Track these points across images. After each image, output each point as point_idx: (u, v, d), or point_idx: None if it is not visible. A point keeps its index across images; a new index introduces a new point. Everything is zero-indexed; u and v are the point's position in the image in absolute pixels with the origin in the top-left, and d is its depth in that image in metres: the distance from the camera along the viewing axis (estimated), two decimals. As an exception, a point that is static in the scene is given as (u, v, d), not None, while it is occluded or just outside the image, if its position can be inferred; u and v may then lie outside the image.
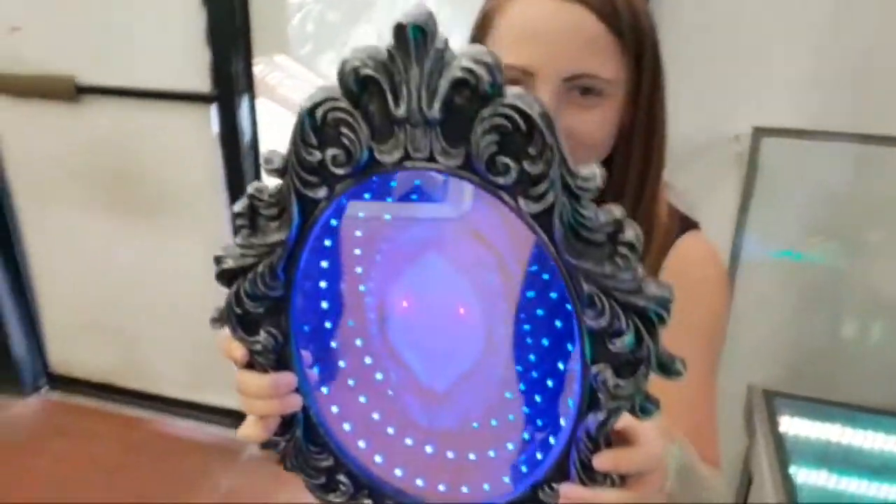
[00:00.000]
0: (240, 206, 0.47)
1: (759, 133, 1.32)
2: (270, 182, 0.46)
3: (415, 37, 0.38)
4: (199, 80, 1.75)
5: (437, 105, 0.39)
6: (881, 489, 1.16)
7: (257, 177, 1.83)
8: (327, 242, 0.51)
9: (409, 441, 0.56)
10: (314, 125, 0.43)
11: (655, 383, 0.69)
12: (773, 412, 1.30)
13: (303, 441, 0.55)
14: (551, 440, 0.50)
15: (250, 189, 0.46)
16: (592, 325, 0.42)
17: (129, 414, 2.18)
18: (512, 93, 0.39)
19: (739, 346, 1.45)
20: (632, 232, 0.40)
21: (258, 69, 1.73)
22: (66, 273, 2.13)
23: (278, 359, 0.51)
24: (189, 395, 2.17)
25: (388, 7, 1.61)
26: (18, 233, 2.12)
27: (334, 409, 0.55)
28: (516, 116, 0.39)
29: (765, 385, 1.35)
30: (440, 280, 0.51)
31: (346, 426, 0.56)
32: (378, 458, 0.56)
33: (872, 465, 1.20)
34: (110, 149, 1.91)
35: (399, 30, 0.39)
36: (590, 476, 0.47)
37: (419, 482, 0.56)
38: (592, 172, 0.39)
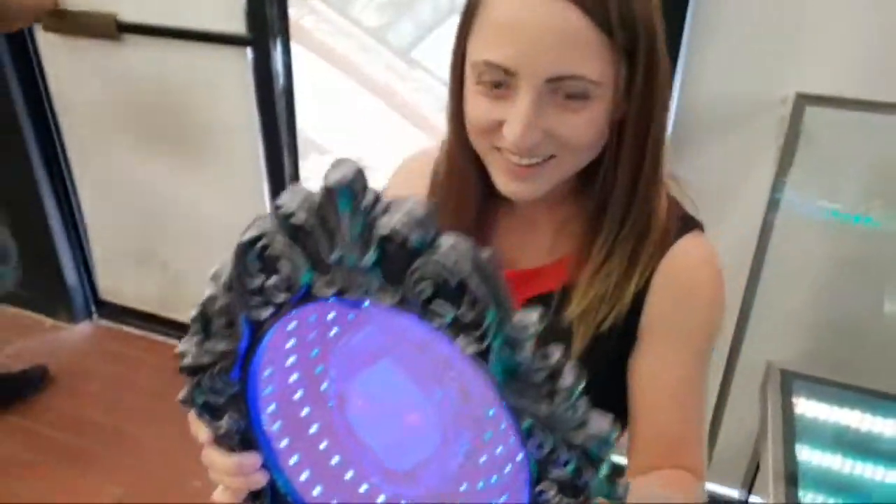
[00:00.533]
0: (193, 312, 0.48)
1: (803, 100, 1.25)
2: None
3: (343, 199, 0.38)
4: (236, 22, 1.74)
5: (369, 255, 0.39)
6: (890, 475, 1.14)
7: (291, 121, 1.83)
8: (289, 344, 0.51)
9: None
10: (255, 254, 0.43)
11: (645, 394, 0.70)
12: (787, 392, 1.27)
13: None
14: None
15: (204, 297, 0.47)
16: (534, 454, 0.41)
17: (173, 343, 2.29)
18: (445, 246, 0.38)
19: (765, 321, 1.41)
20: (570, 379, 0.39)
21: (293, 12, 1.70)
22: (114, 206, 2.21)
23: (242, 440, 0.53)
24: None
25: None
26: (68, 166, 2.20)
27: (304, 475, 0.56)
28: (445, 273, 0.38)
29: (785, 363, 1.32)
30: (394, 387, 0.50)
31: (315, 491, 0.56)
32: None
33: (887, 453, 1.17)
34: (151, 87, 1.94)
35: (328, 193, 0.38)
36: None
37: None
38: (529, 320, 0.38)
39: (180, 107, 1.95)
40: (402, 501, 0.54)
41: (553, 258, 0.73)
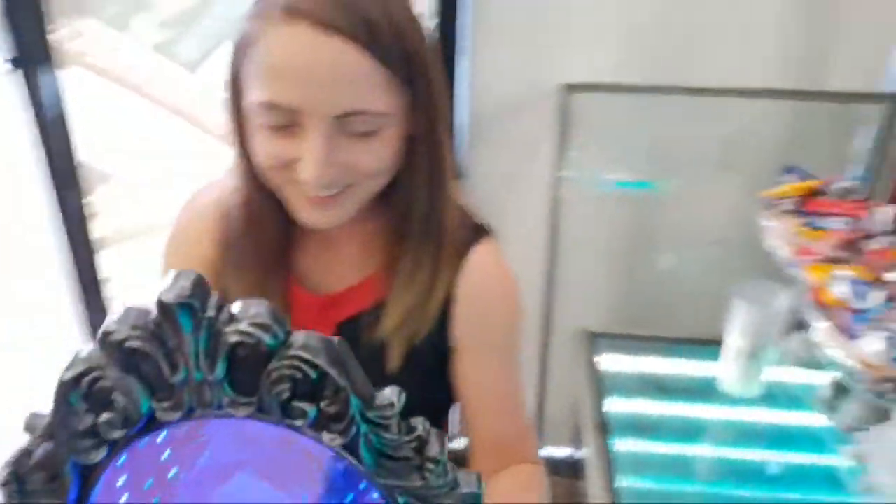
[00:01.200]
0: (1, 476, 0.41)
1: (570, 88, 1.39)
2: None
3: (184, 316, 0.36)
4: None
5: (218, 367, 0.37)
6: (690, 409, 1.30)
7: (68, 150, 1.68)
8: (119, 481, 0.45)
9: None
10: (80, 393, 0.38)
11: (472, 401, 0.74)
12: (595, 351, 1.40)
13: None
14: None
15: (13, 454, 0.40)
16: None
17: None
18: (298, 343, 0.37)
19: (571, 290, 1.55)
20: (437, 447, 0.40)
21: (61, 35, 1.58)
22: None
23: None
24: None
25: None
26: None
27: None
28: (304, 367, 0.37)
29: (593, 326, 1.45)
30: (254, 499, 0.47)
31: None
32: None
33: (686, 390, 1.33)
34: None
35: (165, 312, 0.36)
36: None
37: None
38: (389, 401, 0.39)
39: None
40: None
41: (361, 277, 0.73)
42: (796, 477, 1.15)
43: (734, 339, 1.21)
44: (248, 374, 0.37)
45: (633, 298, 1.56)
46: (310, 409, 0.38)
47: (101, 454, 0.40)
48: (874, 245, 1.02)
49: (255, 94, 0.60)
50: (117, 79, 1.64)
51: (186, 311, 0.36)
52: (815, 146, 1.42)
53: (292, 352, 0.37)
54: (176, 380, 0.38)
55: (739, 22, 1.35)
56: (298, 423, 0.39)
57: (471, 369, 0.74)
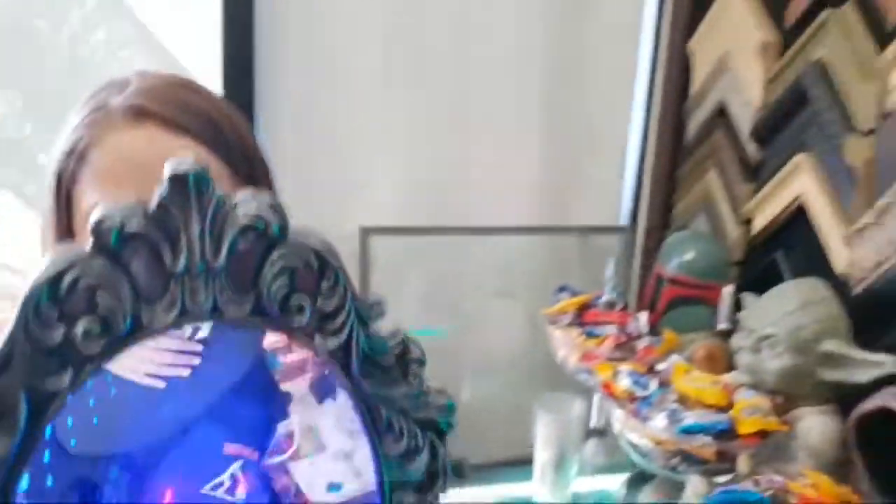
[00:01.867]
0: None
1: (367, 231, 1.49)
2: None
3: (196, 187, 0.36)
4: None
5: (223, 253, 0.37)
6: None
7: None
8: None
9: None
10: (55, 297, 0.35)
11: None
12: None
13: None
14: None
15: None
16: (393, 450, 0.43)
17: None
18: (298, 232, 0.39)
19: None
20: (416, 349, 0.44)
21: None
22: None
23: None
24: None
25: None
26: None
27: None
28: (308, 255, 0.39)
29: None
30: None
31: None
32: None
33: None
34: None
35: (176, 181, 0.36)
36: None
37: None
38: (378, 298, 0.42)
39: None
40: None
41: None
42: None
43: (540, 451, 1.31)
44: (247, 269, 0.37)
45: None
46: (308, 304, 0.38)
47: (64, 381, 0.35)
48: (642, 344, 1.19)
49: (94, 198, 0.58)
50: None
51: (202, 181, 0.35)
52: (576, 271, 1.65)
53: (295, 239, 0.38)
54: (176, 269, 0.36)
55: (501, 168, 1.58)
56: (295, 321, 0.38)
57: None
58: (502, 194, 1.58)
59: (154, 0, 1.42)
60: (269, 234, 0.38)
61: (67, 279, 0.35)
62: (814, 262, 1.21)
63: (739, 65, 1.42)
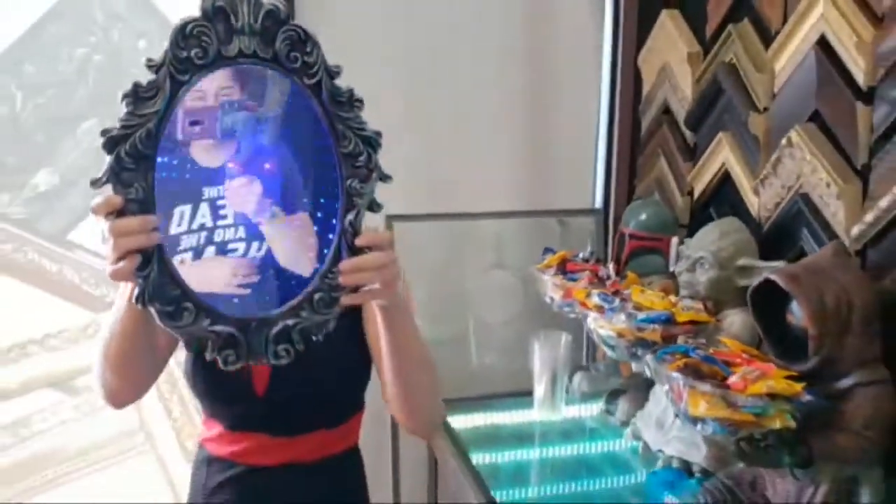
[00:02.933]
0: (126, 90, 0.74)
1: (391, 218, 1.87)
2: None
3: None
4: None
5: (258, 23, 0.78)
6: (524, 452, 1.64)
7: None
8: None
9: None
10: (184, 35, 0.74)
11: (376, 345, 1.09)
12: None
13: (157, 273, 0.75)
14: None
15: (134, 82, 0.75)
16: (344, 150, 0.82)
17: None
18: (294, 20, 0.79)
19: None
20: (360, 98, 0.83)
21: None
22: None
23: (143, 209, 0.75)
24: None
25: (69, 152, 1.82)
26: None
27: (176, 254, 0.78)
28: (299, 31, 0.79)
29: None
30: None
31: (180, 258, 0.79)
32: (208, 290, 0.79)
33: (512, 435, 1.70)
34: None
35: None
36: (354, 255, 0.83)
37: (238, 304, 0.81)
38: (339, 66, 0.82)
39: None
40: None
41: None
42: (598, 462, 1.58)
43: (537, 376, 1.67)
44: (270, 37, 0.78)
45: (460, 365, 1.97)
46: (299, 56, 0.79)
47: (187, 76, 0.75)
48: (609, 282, 1.57)
49: None
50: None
51: None
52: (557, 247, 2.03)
53: (293, 23, 0.79)
54: (237, 26, 0.76)
55: (492, 163, 1.97)
56: (291, 66, 0.79)
57: (373, 326, 1.04)
58: (494, 185, 1.97)
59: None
60: (281, 17, 0.79)
61: (189, 28, 0.75)
62: (736, 211, 1.60)
63: (675, 71, 1.83)
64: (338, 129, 0.81)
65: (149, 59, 0.74)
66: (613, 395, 1.69)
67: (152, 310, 0.76)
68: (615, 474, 1.55)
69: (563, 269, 1.67)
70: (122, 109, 0.74)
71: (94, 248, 1.83)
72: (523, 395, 1.74)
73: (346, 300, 0.82)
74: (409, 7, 1.90)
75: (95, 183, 0.73)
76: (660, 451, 1.41)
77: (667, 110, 1.90)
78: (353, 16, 1.84)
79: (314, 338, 0.82)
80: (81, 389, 1.87)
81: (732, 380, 1.07)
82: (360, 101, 0.83)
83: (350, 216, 0.82)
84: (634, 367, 1.43)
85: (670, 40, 1.84)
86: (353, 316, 1.07)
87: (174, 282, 0.76)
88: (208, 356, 0.78)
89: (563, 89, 2.05)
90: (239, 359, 0.79)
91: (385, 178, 0.85)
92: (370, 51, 1.83)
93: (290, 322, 0.80)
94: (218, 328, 0.77)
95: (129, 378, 0.93)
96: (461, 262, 1.99)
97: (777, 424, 1.03)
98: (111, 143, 0.73)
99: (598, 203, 2.11)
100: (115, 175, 0.73)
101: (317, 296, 0.81)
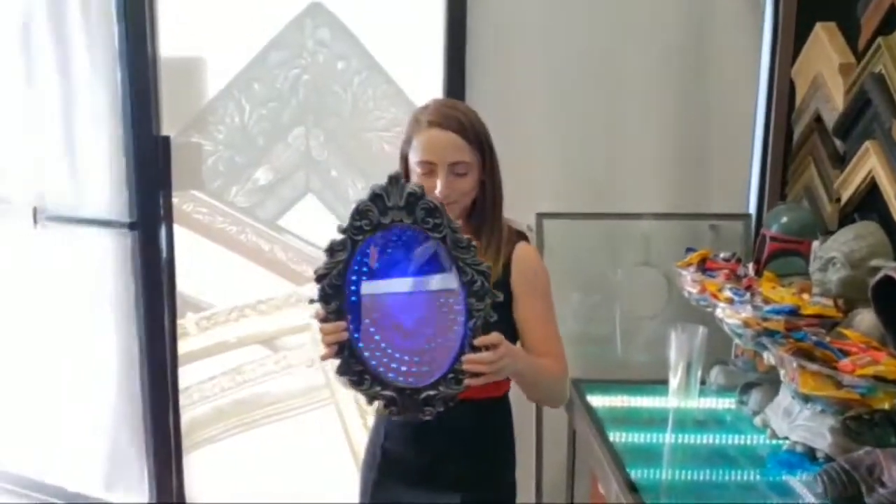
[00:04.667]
0: (326, 246, 1.16)
1: (541, 216, 2.09)
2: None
3: (395, 179, 1.13)
4: (124, 211, 2.16)
5: (403, 201, 1.12)
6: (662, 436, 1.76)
7: (172, 290, 2.20)
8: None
9: (397, 354, 1.20)
10: (358, 212, 1.13)
11: (524, 328, 1.34)
12: (581, 392, 1.94)
13: (348, 357, 1.17)
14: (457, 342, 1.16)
15: (330, 242, 1.15)
16: (465, 279, 1.12)
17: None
18: (428, 195, 1.12)
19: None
20: (474, 242, 1.14)
21: (176, 201, 2.19)
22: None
23: (337, 317, 1.16)
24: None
25: (282, 153, 2.22)
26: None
27: (360, 344, 1.19)
28: (431, 203, 1.11)
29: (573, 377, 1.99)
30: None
31: (366, 353, 1.20)
32: (381, 368, 1.20)
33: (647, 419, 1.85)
34: (37, 269, 2.19)
35: (390, 177, 1.13)
36: (473, 351, 1.15)
37: (400, 378, 1.20)
38: (458, 223, 1.13)
39: (63, 284, 2.21)
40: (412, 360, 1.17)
41: None
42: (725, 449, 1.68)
43: (674, 363, 1.80)
44: (411, 208, 1.12)
45: (601, 350, 2.14)
46: (431, 220, 1.11)
47: (360, 237, 1.14)
48: (746, 279, 1.68)
49: (415, 158, 1.30)
50: (212, 233, 2.25)
51: (396, 179, 1.14)
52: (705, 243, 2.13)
53: (427, 198, 1.12)
54: (390, 204, 1.13)
55: (644, 165, 2.12)
56: (424, 227, 1.12)
57: (523, 309, 1.34)
58: (645, 186, 2.12)
59: (404, 74, 2.17)
60: (418, 195, 1.12)
61: (361, 206, 1.14)
62: (882, 218, 1.64)
63: (828, 81, 1.88)
64: (460, 266, 1.13)
65: (339, 225, 1.15)
66: (747, 387, 1.78)
67: (344, 378, 1.18)
68: (741, 462, 1.65)
69: (703, 266, 1.79)
70: (324, 258, 1.16)
71: (299, 232, 2.23)
72: (660, 384, 1.87)
73: (468, 381, 1.16)
74: (570, 10, 2.08)
75: (312, 302, 1.17)
76: (785, 437, 1.51)
77: (818, 119, 1.95)
78: (516, 16, 2.05)
79: (449, 404, 1.17)
80: (281, 347, 2.28)
81: (843, 362, 1.17)
82: (475, 246, 1.14)
83: (470, 323, 1.14)
84: (765, 357, 1.54)
85: (824, 51, 1.89)
86: (505, 311, 1.34)
87: (359, 362, 1.19)
88: (379, 410, 1.25)
89: (719, 96, 2.13)
90: (399, 413, 1.19)
91: (496, 297, 1.15)
92: (530, 50, 2.03)
93: (431, 392, 1.17)
94: (385, 393, 1.18)
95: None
96: (610, 259, 2.15)
97: (885, 405, 1.12)
98: (319, 277, 1.16)
99: (750, 208, 2.18)
100: (322, 297, 1.16)
101: (449, 376, 1.16)
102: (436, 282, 1.16)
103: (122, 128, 2.10)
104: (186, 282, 2.24)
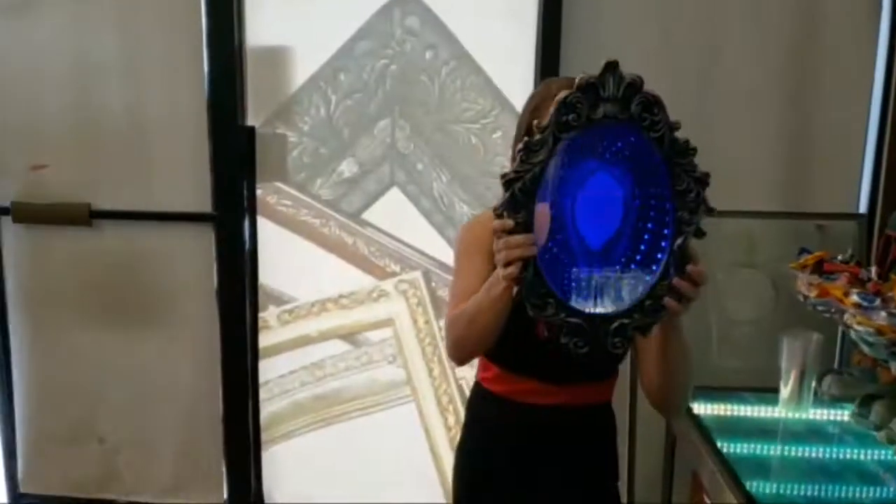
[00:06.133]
0: (520, 146, 0.96)
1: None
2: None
3: (613, 67, 0.94)
4: (204, 202, 2.15)
5: (619, 92, 0.95)
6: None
7: (254, 283, 2.19)
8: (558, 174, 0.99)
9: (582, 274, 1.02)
10: (564, 104, 0.94)
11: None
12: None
13: (532, 277, 0.98)
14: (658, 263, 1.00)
15: (525, 140, 0.96)
16: (678, 188, 0.98)
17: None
18: (645, 88, 0.95)
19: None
20: (694, 147, 0.98)
21: (260, 193, 2.18)
22: (53, 388, 2.28)
23: (526, 229, 0.97)
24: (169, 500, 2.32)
25: (367, 146, 2.17)
26: (10, 354, 2.27)
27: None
28: (650, 96, 0.95)
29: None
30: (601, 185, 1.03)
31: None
32: (569, 293, 1.01)
33: (755, 428, 1.72)
34: (117, 267, 2.21)
35: (607, 64, 0.94)
36: (680, 274, 0.99)
37: (589, 303, 1.02)
38: (678, 121, 0.96)
39: (142, 283, 2.22)
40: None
41: None
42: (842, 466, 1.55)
43: (786, 370, 1.68)
44: (626, 102, 0.94)
45: (702, 357, 2.02)
46: (648, 116, 0.95)
47: (565, 135, 0.95)
48: (870, 283, 1.54)
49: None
50: (295, 225, 2.22)
51: (612, 68, 0.95)
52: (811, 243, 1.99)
53: (645, 90, 0.94)
54: (604, 96, 0.94)
55: (742, 157, 1.99)
56: (643, 123, 0.95)
57: None
58: (747, 182, 1.99)
59: (494, 64, 2.09)
60: (637, 85, 0.95)
61: (569, 98, 0.94)
62: None
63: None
64: (675, 171, 0.97)
65: (537, 123, 0.96)
66: (867, 400, 1.65)
67: (527, 302, 0.99)
68: (860, 480, 1.52)
69: (820, 269, 1.67)
70: (518, 158, 0.97)
71: (383, 226, 2.18)
72: (766, 392, 1.76)
73: (671, 304, 1.00)
74: (678, 2, 1.99)
75: (495, 210, 0.98)
76: (919, 458, 1.38)
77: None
78: (615, 5, 1.98)
79: (644, 335, 1.01)
80: (362, 342, 2.23)
81: None
82: (695, 149, 0.98)
83: (679, 241, 0.99)
84: (894, 368, 1.41)
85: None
86: None
87: (543, 283, 0.99)
88: (563, 340, 1.00)
89: (831, 91, 2.00)
90: (586, 345, 1.00)
91: (711, 210, 0.99)
92: (628, 41, 1.96)
93: (625, 321, 1.00)
94: (572, 320, 0.99)
95: (484, 341, 1.19)
96: (708, 259, 2.02)
97: None
98: (508, 183, 0.96)
99: (863, 208, 2.03)
100: (510, 205, 0.96)
101: (647, 302, 1.00)
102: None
103: (206, 117, 2.09)
104: (269, 274, 2.23)
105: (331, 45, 2.11)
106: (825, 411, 1.74)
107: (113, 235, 2.20)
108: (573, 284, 1.01)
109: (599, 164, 1.00)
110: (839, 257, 1.71)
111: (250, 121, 2.14)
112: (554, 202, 1.00)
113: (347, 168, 2.18)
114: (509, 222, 0.97)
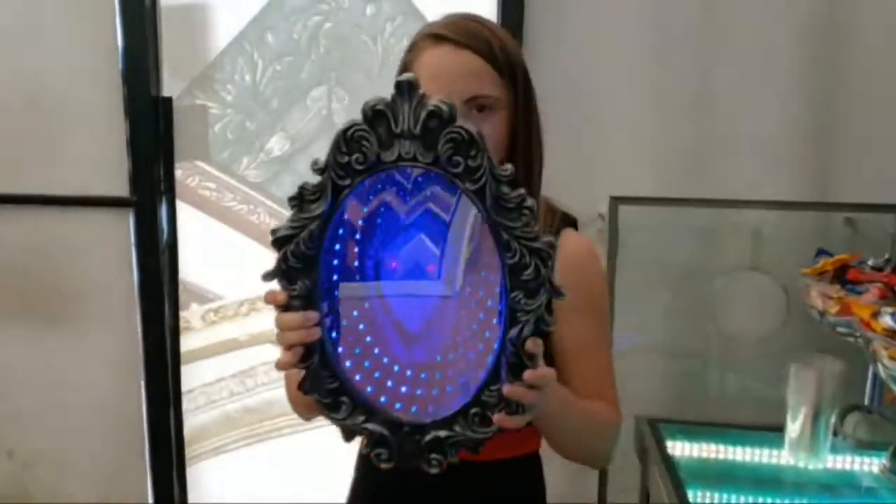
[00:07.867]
0: (292, 195, 0.72)
1: (616, 200, 1.63)
2: (310, 180, 0.73)
3: (408, 88, 0.67)
4: (118, 185, 1.87)
5: (418, 126, 0.68)
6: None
7: (173, 274, 1.91)
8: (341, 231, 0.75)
9: (395, 368, 0.76)
10: (345, 140, 0.69)
11: (564, 353, 0.89)
12: (659, 437, 1.47)
13: (318, 367, 0.75)
14: (489, 360, 0.73)
15: (300, 185, 0.72)
16: (509, 261, 0.69)
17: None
18: (460, 119, 0.68)
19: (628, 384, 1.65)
20: (531, 201, 0.68)
21: (179, 174, 1.88)
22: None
23: (306, 304, 0.74)
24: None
25: (300, 119, 1.86)
26: None
27: (340, 349, 0.77)
28: (463, 133, 0.67)
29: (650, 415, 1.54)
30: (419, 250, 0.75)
31: (347, 363, 0.77)
32: (369, 388, 0.77)
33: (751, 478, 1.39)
34: (21, 260, 1.94)
35: (399, 84, 0.68)
36: (515, 376, 0.71)
37: (397, 405, 0.77)
38: (508, 167, 0.69)
39: (52, 274, 1.95)
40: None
41: None
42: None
43: (794, 405, 1.31)
44: (431, 138, 0.68)
45: (687, 385, 1.67)
46: (462, 161, 0.67)
47: (347, 181, 0.70)
48: (907, 298, 1.16)
49: None
50: (218, 212, 1.92)
51: (410, 87, 0.67)
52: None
53: (458, 123, 0.67)
54: (397, 131, 0.68)
55: (752, 140, 1.62)
56: (454, 170, 0.68)
57: (568, 328, 0.87)
58: (756, 166, 1.62)
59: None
60: (444, 118, 0.67)
61: (350, 132, 0.69)
62: None
63: None
64: (502, 238, 0.69)
65: (314, 162, 0.72)
66: (899, 453, 1.26)
67: (314, 400, 0.77)
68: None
69: (843, 277, 1.29)
70: (289, 211, 0.73)
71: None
72: (771, 431, 1.42)
73: (499, 420, 0.73)
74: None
75: (265, 277, 0.75)
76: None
77: None
78: None
79: (471, 452, 0.76)
80: (299, 350, 1.93)
81: None
82: (530, 208, 0.69)
83: (512, 332, 0.71)
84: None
85: None
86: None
87: (334, 376, 0.76)
88: (363, 451, 0.78)
89: (871, 47, 1.62)
90: (390, 459, 0.77)
91: (558, 295, 0.71)
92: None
93: (441, 434, 0.76)
94: (370, 426, 0.77)
95: (312, 413, 0.93)
96: (704, 260, 1.67)
97: None
98: (278, 242, 0.73)
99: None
100: (282, 272, 0.74)
101: (472, 410, 0.74)
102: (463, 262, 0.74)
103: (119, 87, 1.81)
104: (191, 269, 1.95)
105: (255, 1, 1.81)
106: (847, 458, 1.38)
107: (13, 223, 1.92)
108: (379, 377, 0.77)
109: (410, 220, 0.75)
110: (870, 262, 1.33)
111: (166, 91, 1.84)
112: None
113: (277, 145, 1.87)
114: (282, 295, 0.74)
